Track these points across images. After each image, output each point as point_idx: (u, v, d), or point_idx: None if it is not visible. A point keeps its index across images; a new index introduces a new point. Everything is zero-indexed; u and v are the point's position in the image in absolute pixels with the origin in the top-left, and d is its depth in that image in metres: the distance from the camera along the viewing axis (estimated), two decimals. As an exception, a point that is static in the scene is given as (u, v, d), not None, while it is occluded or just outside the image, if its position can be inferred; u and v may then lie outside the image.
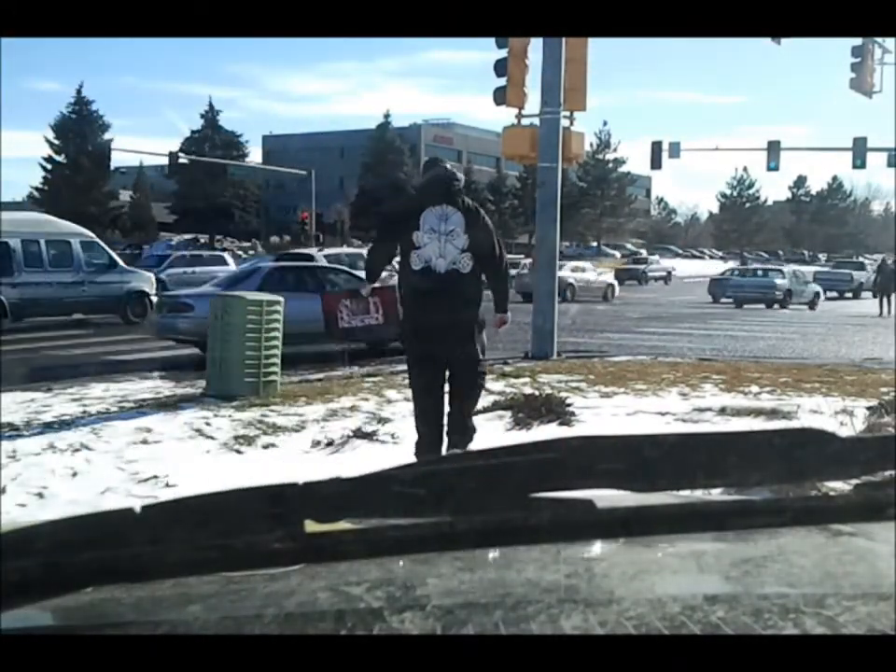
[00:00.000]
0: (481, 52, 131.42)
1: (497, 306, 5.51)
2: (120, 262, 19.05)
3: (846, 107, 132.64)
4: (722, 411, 7.23)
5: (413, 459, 0.81)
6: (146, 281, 19.06)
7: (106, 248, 19.06)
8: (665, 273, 43.01)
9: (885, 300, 24.65)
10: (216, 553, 0.64)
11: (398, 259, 5.52)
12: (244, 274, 13.05)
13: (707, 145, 78.90)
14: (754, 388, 8.49)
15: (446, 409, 5.36)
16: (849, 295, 33.84)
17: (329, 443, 6.07)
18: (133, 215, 57.91)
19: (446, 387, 5.39)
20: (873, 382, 8.89)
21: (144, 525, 0.66)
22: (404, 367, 9.64)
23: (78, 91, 54.23)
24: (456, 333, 5.20)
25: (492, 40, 12.00)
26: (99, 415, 7.11)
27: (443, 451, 5.29)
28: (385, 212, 6.32)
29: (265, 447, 6.04)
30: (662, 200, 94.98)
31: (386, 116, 58.74)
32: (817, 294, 28.96)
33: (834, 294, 32.77)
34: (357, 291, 6.98)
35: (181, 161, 41.52)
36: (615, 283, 32.14)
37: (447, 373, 5.35)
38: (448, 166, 5.62)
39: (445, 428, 5.35)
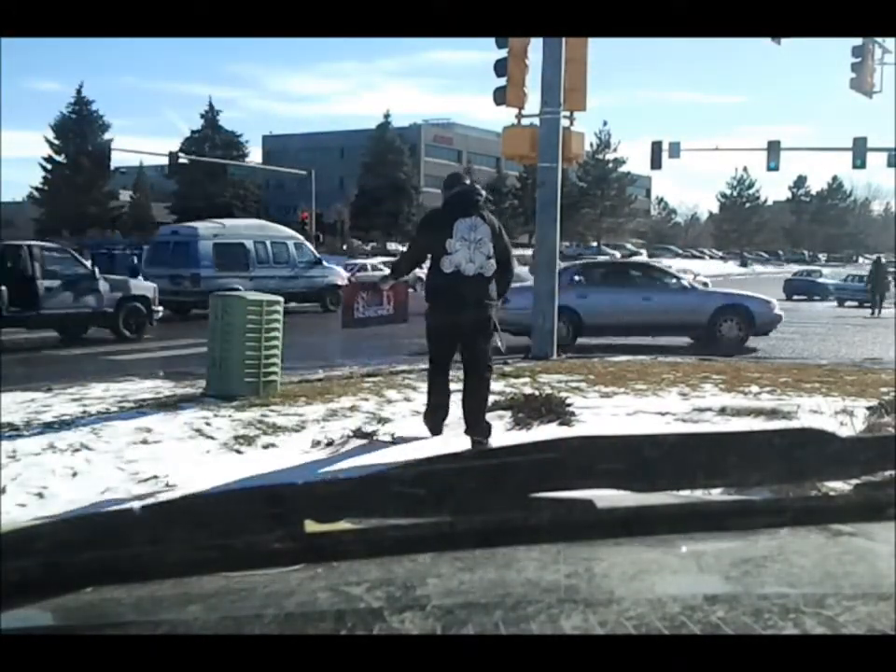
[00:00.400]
0: (481, 52, 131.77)
1: (499, 295, 6.32)
2: (324, 261, 22.80)
3: (846, 107, 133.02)
4: (722, 411, 7.22)
5: (412, 459, 0.81)
6: (339, 275, 22.37)
7: (312, 248, 22.88)
8: None
9: (878, 299, 24.44)
10: (216, 552, 0.64)
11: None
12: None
13: (707, 145, 78.95)
14: (754, 388, 8.49)
15: (461, 406, 6.12)
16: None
17: (329, 443, 6.07)
18: (133, 215, 57.90)
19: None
20: (873, 382, 8.89)
21: (144, 525, 0.66)
22: (403, 367, 9.77)
23: (78, 91, 54.28)
24: (475, 325, 5.99)
25: (492, 40, 11.99)
26: (99, 415, 7.11)
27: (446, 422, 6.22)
28: (422, 221, 7.19)
29: (265, 447, 6.04)
30: (662, 200, 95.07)
31: (386, 116, 58.73)
32: None
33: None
34: (374, 284, 7.82)
35: (181, 161, 41.52)
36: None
37: (462, 367, 6.19)
38: (469, 181, 6.51)
39: (464, 427, 6.07)
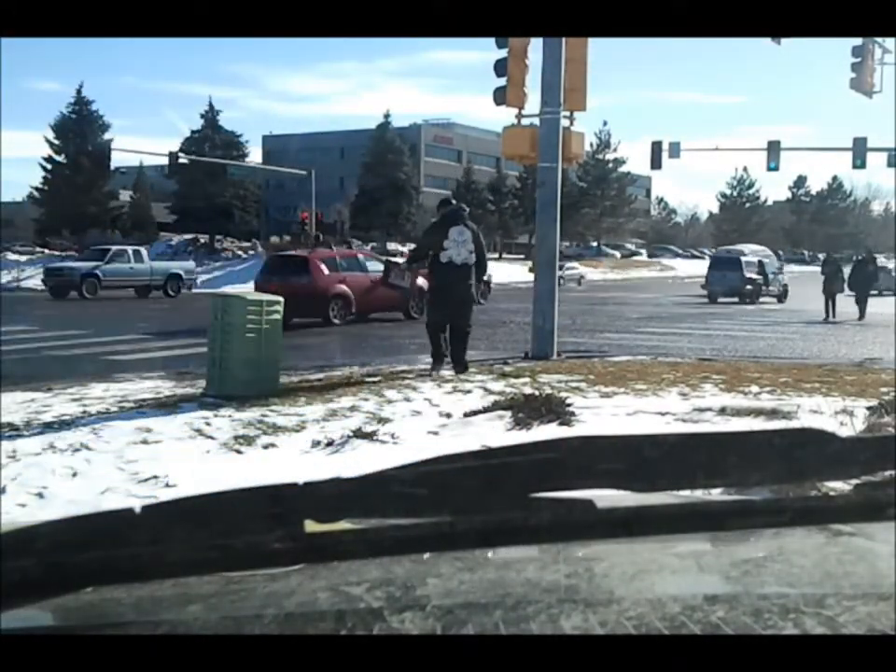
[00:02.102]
0: (481, 52, 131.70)
1: (478, 280, 9.59)
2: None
3: (846, 107, 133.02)
4: (722, 411, 7.22)
5: (412, 459, 0.82)
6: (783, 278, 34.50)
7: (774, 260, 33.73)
8: (578, 276, 49.56)
9: (831, 301, 20.98)
10: (216, 553, 0.64)
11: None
12: None
13: (707, 145, 78.88)
14: (754, 388, 8.48)
15: (450, 348, 9.29)
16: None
17: (329, 443, 6.07)
18: (133, 215, 57.87)
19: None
20: (873, 382, 8.88)
21: (144, 525, 0.66)
22: (403, 367, 9.81)
23: (78, 91, 54.20)
24: (462, 297, 9.18)
25: (492, 40, 11.99)
26: (99, 415, 7.11)
27: (445, 364, 9.26)
28: (429, 228, 10.30)
29: (265, 447, 6.04)
30: (662, 200, 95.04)
31: (386, 116, 58.58)
32: None
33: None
34: (399, 265, 10.84)
35: (181, 161, 41.43)
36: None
37: (450, 323, 9.25)
38: (455, 202, 10.08)
39: (449, 360, 9.26)
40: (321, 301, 17.44)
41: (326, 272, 18.22)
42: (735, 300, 28.63)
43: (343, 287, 18.18)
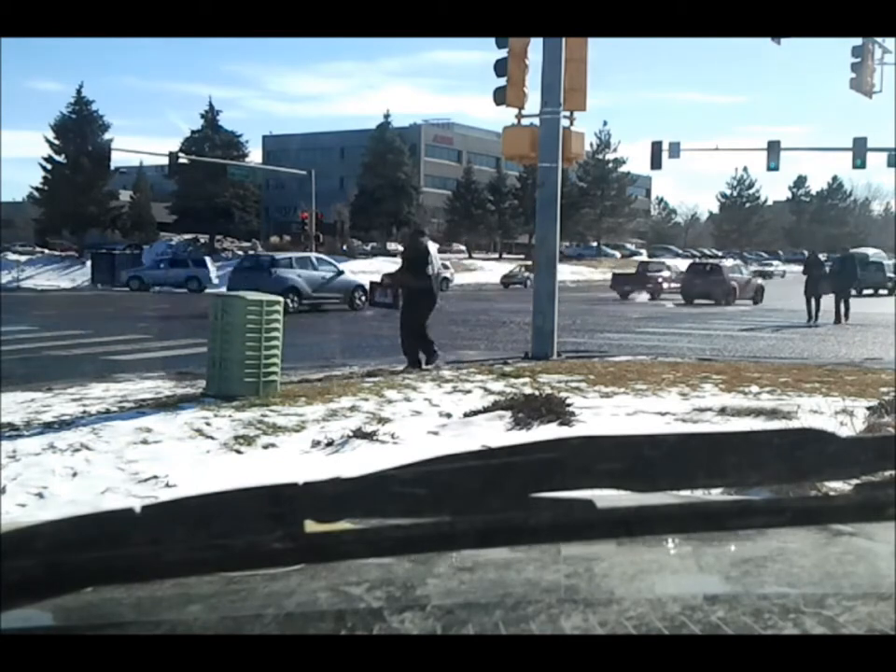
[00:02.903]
0: (481, 52, 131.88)
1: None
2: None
3: (846, 107, 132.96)
4: (722, 411, 7.22)
5: (412, 459, 0.82)
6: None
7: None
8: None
9: (814, 303, 19.62)
10: (216, 552, 0.64)
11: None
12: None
13: (707, 145, 79.04)
14: (754, 388, 8.48)
15: (421, 343, 10.58)
16: None
17: (329, 443, 6.07)
18: (133, 215, 57.86)
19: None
20: (873, 382, 8.88)
21: (144, 525, 0.66)
22: (403, 367, 9.81)
23: (78, 91, 54.21)
24: (434, 300, 10.69)
25: (492, 40, 12.00)
26: (99, 415, 7.11)
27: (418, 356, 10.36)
28: (419, 252, 11.27)
29: (265, 447, 6.04)
30: (662, 200, 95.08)
31: (386, 116, 58.53)
32: None
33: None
34: (381, 283, 11.86)
35: (181, 161, 41.42)
36: None
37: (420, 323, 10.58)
38: (422, 229, 12.57)
39: (420, 352, 10.46)
40: (727, 290, 27.80)
41: (730, 273, 29.24)
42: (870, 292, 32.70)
43: (734, 282, 28.80)
